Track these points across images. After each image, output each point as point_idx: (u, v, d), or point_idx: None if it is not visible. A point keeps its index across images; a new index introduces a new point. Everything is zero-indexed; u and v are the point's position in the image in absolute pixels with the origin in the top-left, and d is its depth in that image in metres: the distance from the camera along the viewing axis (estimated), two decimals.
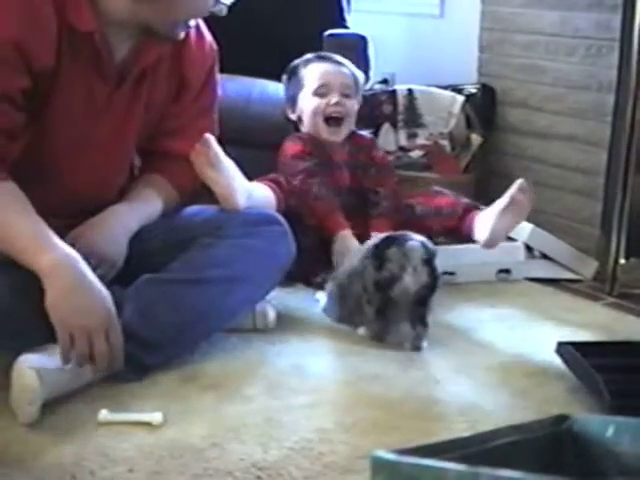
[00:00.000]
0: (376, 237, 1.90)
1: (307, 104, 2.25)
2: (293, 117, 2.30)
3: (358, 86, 2.31)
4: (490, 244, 2.08)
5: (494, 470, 0.88)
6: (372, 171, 2.28)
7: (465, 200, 2.21)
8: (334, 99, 2.23)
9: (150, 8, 1.57)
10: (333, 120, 2.24)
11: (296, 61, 2.32)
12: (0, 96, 1.52)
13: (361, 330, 1.86)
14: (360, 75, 2.33)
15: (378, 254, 1.80)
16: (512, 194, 2.02)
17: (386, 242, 1.81)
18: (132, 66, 1.67)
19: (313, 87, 2.24)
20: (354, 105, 2.28)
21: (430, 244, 1.83)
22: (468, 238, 2.16)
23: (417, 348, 1.80)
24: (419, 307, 1.82)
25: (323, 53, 2.35)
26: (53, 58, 1.56)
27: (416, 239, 1.80)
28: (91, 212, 1.71)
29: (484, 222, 2.07)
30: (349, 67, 2.31)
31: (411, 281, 1.77)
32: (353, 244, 2.08)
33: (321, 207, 2.13)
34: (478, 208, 2.16)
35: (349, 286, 1.88)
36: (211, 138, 1.79)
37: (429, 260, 1.79)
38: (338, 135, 2.25)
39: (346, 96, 2.25)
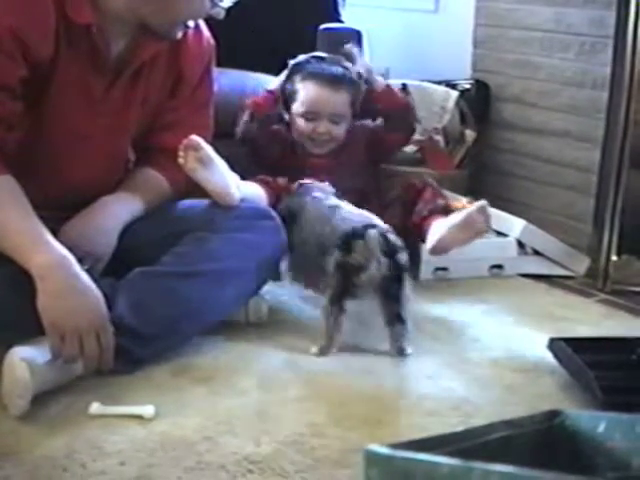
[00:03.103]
0: (349, 224, 1.79)
1: (295, 121, 2.24)
2: (286, 117, 2.29)
3: (356, 101, 2.24)
4: (434, 253, 2.05)
5: (487, 465, 0.89)
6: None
7: (441, 202, 2.15)
8: (321, 128, 2.20)
9: (147, 6, 1.57)
10: (318, 141, 2.23)
11: (296, 63, 2.25)
12: None
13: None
14: (360, 85, 2.26)
15: (346, 242, 1.73)
16: (469, 213, 1.99)
17: (353, 233, 1.74)
18: (129, 61, 1.67)
19: (302, 110, 2.21)
20: (343, 127, 2.24)
21: (392, 236, 1.75)
22: (422, 240, 2.12)
23: (401, 351, 1.75)
24: (392, 303, 1.75)
25: (324, 67, 2.23)
26: (50, 49, 1.56)
27: (378, 229, 1.74)
28: (87, 205, 1.70)
29: (436, 230, 2.04)
30: (349, 84, 2.22)
31: (376, 270, 1.71)
32: None
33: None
34: (446, 213, 2.10)
35: (322, 255, 1.79)
36: (200, 139, 1.77)
37: (391, 252, 1.73)
38: (323, 150, 2.24)
39: (335, 122, 2.21)
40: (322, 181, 2.13)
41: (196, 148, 1.77)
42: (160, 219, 1.78)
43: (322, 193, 1.95)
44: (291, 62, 2.27)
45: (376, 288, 1.75)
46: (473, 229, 2.00)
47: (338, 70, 2.24)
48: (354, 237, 1.74)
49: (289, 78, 2.26)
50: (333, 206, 1.89)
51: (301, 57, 2.27)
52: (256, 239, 1.76)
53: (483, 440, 1.07)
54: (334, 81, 2.21)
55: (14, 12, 1.51)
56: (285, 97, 2.26)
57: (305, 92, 2.21)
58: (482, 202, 2.01)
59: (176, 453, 1.35)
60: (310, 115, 2.21)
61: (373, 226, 1.76)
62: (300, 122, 2.23)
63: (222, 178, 1.81)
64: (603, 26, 2.38)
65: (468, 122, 2.79)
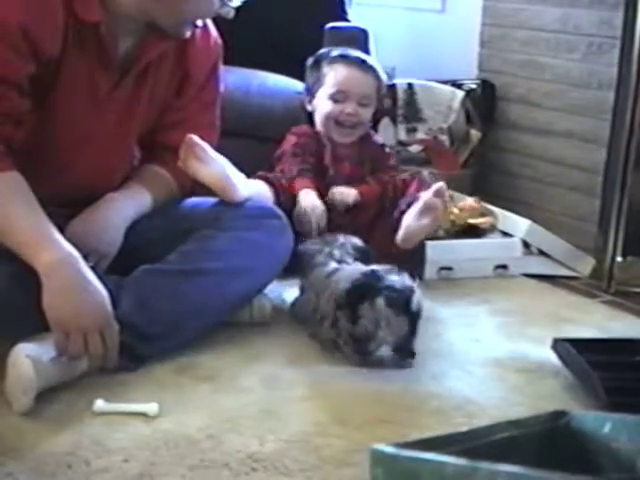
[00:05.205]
0: (345, 281, 1.72)
1: (322, 105, 2.22)
2: (309, 108, 2.28)
3: (381, 92, 2.27)
4: (403, 244, 2.04)
5: (492, 465, 0.88)
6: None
7: (420, 196, 2.10)
8: (349, 108, 2.19)
9: (156, 5, 1.57)
10: (345, 125, 2.22)
11: (322, 52, 2.28)
12: (6, 81, 1.53)
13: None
14: (384, 77, 2.29)
15: (350, 305, 1.67)
16: (426, 198, 2.00)
17: (358, 292, 1.66)
18: (136, 60, 1.67)
19: (331, 91, 2.20)
20: (369, 113, 2.24)
21: (406, 283, 1.67)
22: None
23: (409, 365, 1.71)
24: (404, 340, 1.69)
25: (351, 51, 2.27)
26: (58, 46, 1.56)
27: (388, 287, 1.65)
28: (93, 202, 1.70)
29: (404, 222, 2.05)
30: (376, 71, 2.25)
31: (387, 334, 1.65)
32: (317, 202, 2.06)
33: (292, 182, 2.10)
34: None
35: (320, 324, 1.76)
36: (194, 137, 1.76)
37: (405, 306, 1.65)
38: (349, 138, 2.23)
39: (363, 105, 2.21)
40: (345, 168, 2.18)
41: (192, 145, 1.76)
42: (166, 217, 1.78)
43: (339, 250, 1.86)
44: (311, 58, 2.28)
45: (391, 345, 1.67)
46: (432, 212, 2.01)
47: (364, 56, 2.28)
48: (360, 299, 1.66)
49: (314, 68, 2.26)
50: (333, 271, 1.79)
51: (322, 50, 2.29)
52: (262, 238, 1.76)
53: (488, 440, 1.07)
54: (363, 63, 2.24)
55: (23, 9, 1.51)
56: (311, 92, 2.26)
57: (335, 74, 2.21)
58: (439, 184, 2.02)
59: (180, 451, 1.35)
60: (339, 95, 2.20)
61: (380, 286, 1.65)
62: (327, 105, 2.21)
63: (224, 172, 1.81)
64: (610, 27, 2.38)
65: (474, 122, 2.80)
